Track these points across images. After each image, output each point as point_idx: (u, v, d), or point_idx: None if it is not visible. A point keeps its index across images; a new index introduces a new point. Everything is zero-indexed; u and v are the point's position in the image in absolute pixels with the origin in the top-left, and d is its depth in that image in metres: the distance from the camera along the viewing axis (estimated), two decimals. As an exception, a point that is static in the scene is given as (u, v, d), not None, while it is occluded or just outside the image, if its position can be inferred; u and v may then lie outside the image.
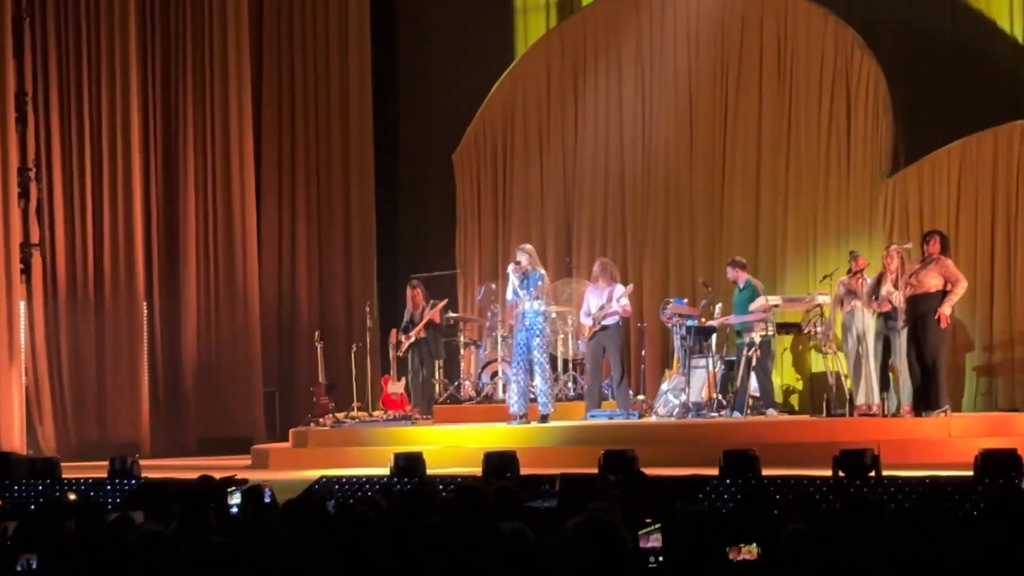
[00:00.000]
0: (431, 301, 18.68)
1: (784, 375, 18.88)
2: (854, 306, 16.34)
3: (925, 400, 15.47)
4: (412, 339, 18.45)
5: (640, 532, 6.11)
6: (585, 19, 21.02)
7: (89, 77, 19.89)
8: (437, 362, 18.89)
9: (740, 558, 5.87)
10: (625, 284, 17.64)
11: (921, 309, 15.44)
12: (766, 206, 19.54)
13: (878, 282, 15.85)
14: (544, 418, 16.33)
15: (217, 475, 9.71)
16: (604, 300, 17.04)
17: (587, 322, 17.21)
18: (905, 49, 19.26)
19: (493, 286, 19.59)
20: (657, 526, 6.03)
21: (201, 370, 20.43)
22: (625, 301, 17.12)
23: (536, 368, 16.28)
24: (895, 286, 15.59)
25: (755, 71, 19.65)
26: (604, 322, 17.01)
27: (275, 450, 17.54)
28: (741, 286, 17.45)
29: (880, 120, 18.71)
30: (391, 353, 18.92)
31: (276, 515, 7.89)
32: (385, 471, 13.13)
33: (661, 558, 6.03)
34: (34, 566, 6.24)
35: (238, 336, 20.61)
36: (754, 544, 5.87)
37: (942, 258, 15.58)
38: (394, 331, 18.86)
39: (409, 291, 18.85)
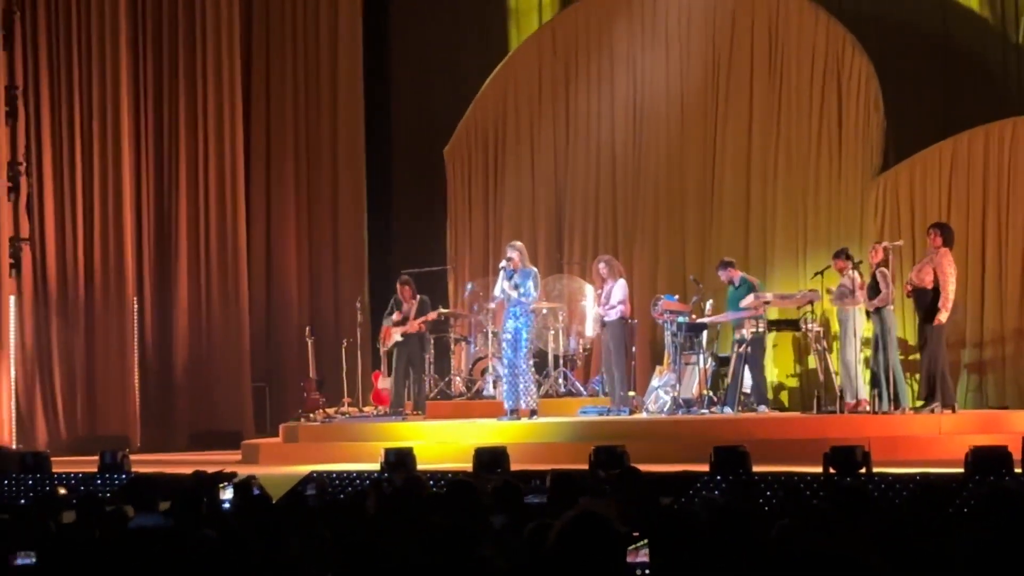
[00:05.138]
0: (419, 297, 18.28)
1: (775, 372, 18.87)
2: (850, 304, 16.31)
3: (933, 397, 15.61)
4: (399, 338, 18.05)
5: (628, 547, 5.99)
6: (577, 14, 20.96)
7: (80, 70, 19.88)
8: (427, 357, 18.61)
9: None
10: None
11: (920, 305, 15.50)
12: (756, 203, 19.53)
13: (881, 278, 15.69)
14: (533, 413, 16.32)
15: (208, 470, 9.71)
16: (604, 297, 17.06)
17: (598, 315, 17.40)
18: (896, 47, 19.29)
19: (471, 285, 19.65)
20: (645, 541, 5.92)
21: (191, 364, 20.38)
22: (620, 298, 17.06)
23: (521, 364, 16.26)
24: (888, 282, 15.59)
25: (746, 68, 19.65)
26: (606, 318, 17.03)
27: (265, 445, 17.53)
28: (736, 284, 17.40)
29: (871, 117, 18.71)
30: (381, 349, 18.72)
31: (266, 509, 7.90)
32: (376, 466, 13.15)
33: (648, 572, 5.90)
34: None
35: (228, 330, 20.57)
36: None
37: (940, 252, 15.58)
38: (386, 328, 18.40)
39: (399, 287, 18.51)
